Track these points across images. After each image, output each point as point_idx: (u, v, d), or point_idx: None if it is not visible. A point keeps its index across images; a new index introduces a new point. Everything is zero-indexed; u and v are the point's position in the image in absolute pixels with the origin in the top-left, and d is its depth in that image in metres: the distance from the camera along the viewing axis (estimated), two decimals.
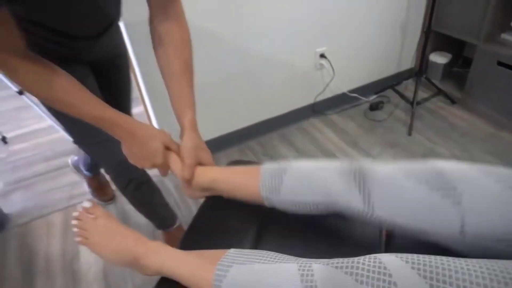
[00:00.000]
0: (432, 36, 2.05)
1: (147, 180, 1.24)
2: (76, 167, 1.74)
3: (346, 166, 0.68)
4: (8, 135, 2.28)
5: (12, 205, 1.79)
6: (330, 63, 1.94)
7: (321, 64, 1.95)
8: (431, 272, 0.49)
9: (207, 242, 0.75)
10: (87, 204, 0.75)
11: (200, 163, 0.81)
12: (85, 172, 1.69)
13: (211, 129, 1.86)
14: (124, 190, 1.22)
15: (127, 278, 1.40)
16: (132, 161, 0.81)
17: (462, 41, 2.04)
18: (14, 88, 1.86)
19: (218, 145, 1.91)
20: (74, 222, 0.74)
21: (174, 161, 0.81)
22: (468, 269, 0.49)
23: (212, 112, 1.78)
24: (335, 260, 0.57)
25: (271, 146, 1.97)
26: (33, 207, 1.77)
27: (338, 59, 1.96)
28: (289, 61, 1.85)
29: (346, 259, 0.56)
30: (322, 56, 1.91)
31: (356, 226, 0.76)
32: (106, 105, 0.77)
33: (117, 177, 1.19)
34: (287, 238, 0.76)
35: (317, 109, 2.13)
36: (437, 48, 2.26)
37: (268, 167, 0.76)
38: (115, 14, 0.96)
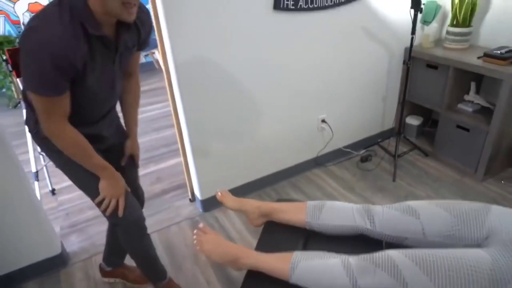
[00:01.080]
0: (407, 104, 2.65)
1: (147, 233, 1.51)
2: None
3: (359, 205, 1.18)
4: (56, 187, 2.65)
5: (71, 245, 2.11)
6: (329, 126, 2.48)
7: (322, 127, 2.48)
8: (417, 256, 0.95)
9: (276, 247, 1.18)
10: (201, 225, 1.19)
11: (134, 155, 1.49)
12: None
13: (233, 180, 2.30)
14: (135, 241, 1.46)
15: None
16: (105, 193, 1.27)
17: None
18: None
19: (241, 192, 2.35)
20: (194, 236, 1.18)
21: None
22: (434, 252, 0.95)
23: (233, 166, 2.24)
24: (362, 256, 1.02)
25: (284, 192, 2.42)
26: (90, 245, 2.11)
27: (335, 123, 2.50)
28: (297, 125, 2.37)
29: (367, 254, 1.01)
30: (323, 121, 2.45)
31: (369, 239, 1.21)
32: (99, 157, 1.24)
33: (132, 227, 1.42)
34: (326, 245, 1.19)
35: (319, 162, 2.62)
36: (411, 113, 2.84)
37: (311, 202, 1.23)
38: (117, 99, 1.38)
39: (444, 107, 2.44)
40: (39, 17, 0.98)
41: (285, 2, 1.93)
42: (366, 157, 2.67)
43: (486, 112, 2.31)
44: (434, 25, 2.48)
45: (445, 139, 2.52)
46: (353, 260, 1.01)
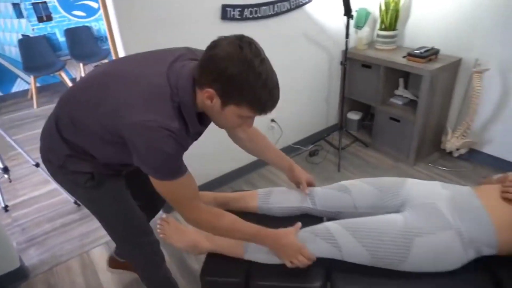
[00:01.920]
0: (348, 101, 2.91)
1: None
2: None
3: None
4: (9, 203, 2.58)
5: (30, 258, 2.10)
6: (278, 124, 2.67)
7: (272, 126, 2.66)
8: (347, 224, 1.14)
9: None
10: (164, 216, 1.30)
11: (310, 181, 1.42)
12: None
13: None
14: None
15: None
16: (285, 259, 1.15)
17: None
18: (32, 162, 2.28)
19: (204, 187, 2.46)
20: (158, 226, 1.28)
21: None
22: (361, 220, 1.15)
23: (190, 167, 2.36)
24: (304, 228, 1.20)
25: (239, 189, 2.56)
26: (50, 257, 2.11)
27: (284, 121, 2.70)
28: None
29: (309, 227, 1.19)
30: (273, 120, 2.64)
31: (312, 216, 1.39)
32: (252, 224, 1.14)
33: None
34: (275, 225, 1.35)
35: None
36: (352, 109, 3.12)
37: (261, 190, 1.39)
38: None
39: (378, 102, 2.73)
40: (152, 111, 0.93)
41: (232, 12, 2.09)
42: (314, 151, 2.89)
43: (413, 104, 2.61)
44: (366, 29, 2.76)
45: (381, 130, 2.81)
46: (297, 233, 1.18)
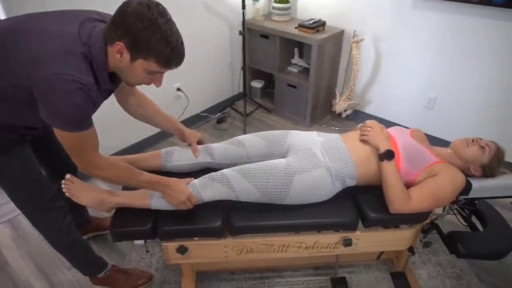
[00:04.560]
0: (251, 70, 3.10)
1: None
2: None
3: (202, 145, 1.50)
4: None
5: None
6: (185, 93, 2.76)
7: (179, 95, 2.74)
8: (241, 169, 1.32)
9: None
10: (68, 176, 1.33)
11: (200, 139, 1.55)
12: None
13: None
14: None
15: (58, 263, 1.86)
16: (174, 204, 1.28)
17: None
18: None
19: None
20: (62, 186, 1.31)
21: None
22: (252, 165, 1.34)
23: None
24: (203, 176, 1.35)
25: None
26: None
27: (190, 90, 2.79)
28: (155, 94, 2.56)
29: (208, 174, 1.35)
30: (179, 89, 2.71)
31: (212, 169, 1.55)
32: (145, 172, 1.25)
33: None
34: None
35: None
36: (256, 77, 3.32)
37: (164, 149, 1.50)
38: None
39: (276, 70, 2.97)
40: (67, 65, 0.98)
41: None
42: (221, 118, 3.06)
43: (307, 72, 2.90)
44: (262, 1, 2.94)
45: (281, 96, 3.08)
46: (197, 180, 1.34)
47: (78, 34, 1.02)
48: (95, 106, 1.08)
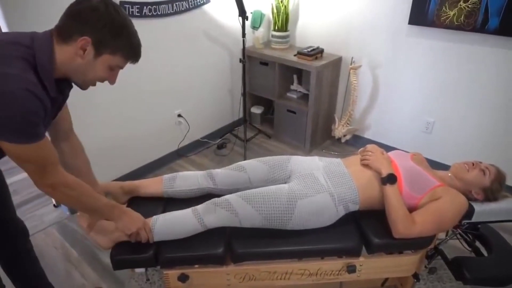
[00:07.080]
0: (251, 96, 3.15)
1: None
2: None
3: (204, 171, 1.50)
4: None
5: None
6: (186, 119, 2.78)
7: (179, 121, 2.76)
8: (243, 195, 1.32)
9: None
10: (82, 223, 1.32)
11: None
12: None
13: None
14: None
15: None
16: (126, 230, 1.24)
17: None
18: None
19: None
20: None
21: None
22: (255, 190, 1.34)
23: (96, 165, 2.35)
24: (206, 202, 1.35)
25: None
26: None
27: (191, 116, 2.82)
28: (156, 121, 2.60)
29: (210, 200, 1.34)
30: (179, 115, 2.74)
31: (214, 195, 1.54)
32: (103, 196, 1.20)
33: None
34: (180, 206, 1.48)
35: (180, 153, 2.90)
36: (255, 103, 3.37)
37: (166, 175, 1.50)
38: None
39: (276, 96, 3.02)
40: (15, 69, 0.89)
41: (130, 9, 2.14)
42: (222, 144, 3.07)
43: (306, 98, 2.95)
44: (261, 30, 3.03)
45: (281, 122, 3.11)
46: (199, 206, 1.33)
47: (18, 39, 0.95)
48: (46, 111, 0.94)
